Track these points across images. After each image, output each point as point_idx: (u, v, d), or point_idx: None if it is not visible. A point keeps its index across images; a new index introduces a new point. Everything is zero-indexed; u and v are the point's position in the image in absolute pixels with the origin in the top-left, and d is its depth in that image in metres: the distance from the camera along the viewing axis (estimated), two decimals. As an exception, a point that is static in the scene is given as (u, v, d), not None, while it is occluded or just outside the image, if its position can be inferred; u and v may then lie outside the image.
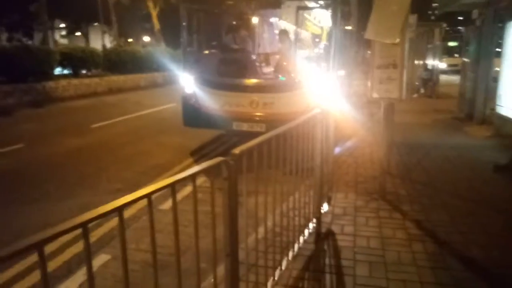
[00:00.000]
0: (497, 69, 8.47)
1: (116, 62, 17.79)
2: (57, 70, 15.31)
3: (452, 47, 27.99)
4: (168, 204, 4.18)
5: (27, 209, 4.33)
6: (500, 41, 8.18)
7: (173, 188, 1.61)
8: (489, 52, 8.60)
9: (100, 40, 23.61)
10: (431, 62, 14.64)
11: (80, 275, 3.08)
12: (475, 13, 9.36)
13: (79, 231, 1.24)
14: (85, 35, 32.47)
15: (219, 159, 1.92)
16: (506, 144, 6.32)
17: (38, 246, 1.08)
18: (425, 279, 2.76)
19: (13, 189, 4.98)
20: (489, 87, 8.52)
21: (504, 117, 7.25)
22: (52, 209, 4.34)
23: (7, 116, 10.44)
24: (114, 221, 3.83)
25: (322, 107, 3.40)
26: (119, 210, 1.34)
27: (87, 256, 1.26)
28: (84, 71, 16.49)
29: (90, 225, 1.27)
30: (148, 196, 1.47)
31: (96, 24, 28.96)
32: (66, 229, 1.15)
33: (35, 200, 4.58)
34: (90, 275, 1.26)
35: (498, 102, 7.67)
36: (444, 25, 14.74)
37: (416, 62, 14.87)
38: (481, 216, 3.83)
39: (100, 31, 24.97)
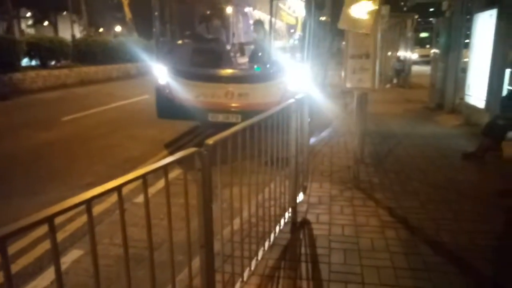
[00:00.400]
0: (465, 59, 8.73)
1: (87, 52, 17.25)
2: (25, 61, 14.70)
3: (423, 38, 28.66)
4: (142, 197, 4.11)
5: (-4, 205, 4.17)
6: (468, 33, 8.42)
7: (144, 179, 1.58)
8: (458, 43, 8.84)
9: (69, 30, 22.77)
10: (403, 53, 14.93)
11: (52, 272, 3.00)
12: (445, 5, 9.59)
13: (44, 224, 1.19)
14: (54, 25, 31.25)
15: (192, 149, 1.89)
16: (474, 132, 6.54)
17: (1, 242, 1.03)
18: (397, 265, 2.83)
19: (-21, 185, 4.78)
20: (458, 77, 8.78)
21: (472, 106, 7.49)
22: (22, 205, 4.19)
23: (-29, 109, 10.00)
24: (86, 216, 3.75)
25: (296, 97, 3.41)
26: (88, 202, 1.30)
27: (54, 251, 1.21)
28: (53, 62, 15.91)
29: (62, 220, 1.23)
30: (118, 188, 1.43)
31: (65, 13, 27.91)
32: (32, 223, 1.10)
33: (5, 196, 4.41)
34: (58, 271, 1.22)
35: (466, 92, 7.92)
36: (416, 16, 15.02)
37: (389, 53, 15.14)
38: (451, 202, 3.95)
39: (69, 21, 24.08)
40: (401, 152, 5.82)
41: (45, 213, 1.16)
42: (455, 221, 3.53)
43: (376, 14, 3.94)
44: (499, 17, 6.44)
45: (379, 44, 4.26)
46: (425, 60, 22.77)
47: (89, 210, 1.32)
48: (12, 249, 3.23)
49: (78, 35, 22.27)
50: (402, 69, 14.68)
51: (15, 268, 3.04)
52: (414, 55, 18.71)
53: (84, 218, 3.74)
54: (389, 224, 3.47)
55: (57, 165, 5.53)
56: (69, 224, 3.64)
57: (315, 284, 2.64)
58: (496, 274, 2.77)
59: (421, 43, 27.64)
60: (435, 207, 3.83)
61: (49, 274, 2.97)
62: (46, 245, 3.34)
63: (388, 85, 14.58)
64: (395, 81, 14.97)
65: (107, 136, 7.13)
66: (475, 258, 2.92)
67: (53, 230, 1.19)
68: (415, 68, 17.74)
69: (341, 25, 4.02)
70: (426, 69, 15.44)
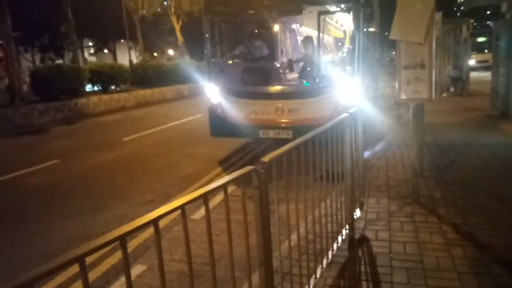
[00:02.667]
0: (531, 62, 8.13)
1: (143, 76, 18.28)
2: (88, 87, 15.88)
3: (481, 42, 27.12)
4: (199, 214, 4.22)
5: (66, 222, 4.48)
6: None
7: (205, 198, 1.63)
8: (522, 46, 8.27)
9: (126, 56, 24.33)
10: (460, 59, 14.19)
11: (118, 286, 3.15)
12: (504, 6, 9.03)
13: (116, 242, 1.26)
14: (113, 52, 33.57)
15: (249, 167, 1.92)
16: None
17: (80, 259, 1.11)
18: (467, 286, 2.64)
19: (52, 203, 5.17)
20: (523, 82, 8.18)
21: (542, 112, 6.92)
22: (89, 221, 4.47)
23: (43, 133, 10.90)
24: (148, 232, 3.91)
25: (350, 111, 3.36)
26: (155, 221, 1.36)
27: (125, 266, 1.28)
28: (113, 87, 17.03)
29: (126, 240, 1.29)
30: (182, 207, 1.49)
31: (122, 40, 29.86)
32: (106, 242, 1.18)
33: (72, 214, 4.73)
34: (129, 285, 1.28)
35: (534, 97, 7.34)
36: (471, 20, 14.28)
37: (444, 60, 14.47)
38: (524, 218, 3.65)
39: (126, 47, 25.72)
40: (463, 164, 5.49)
41: (118, 232, 1.24)
42: (530, 238, 3.25)
43: (429, 23, 3.81)
44: None
45: (434, 53, 4.10)
46: (483, 65, 21.49)
47: (156, 229, 1.39)
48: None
49: (134, 60, 23.68)
50: (459, 77, 13.94)
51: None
52: (471, 61, 17.73)
53: (145, 234, 3.91)
54: (455, 242, 3.26)
55: (119, 183, 5.85)
56: (131, 241, 3.81)
57: (377, 305, 2.53)
58: None
59: (478, 48, 26.18)
60: (505, 223, 3.55)
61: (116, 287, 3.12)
62: (111, 260, 3.53)
63: (444, 94, 13.89)
64: (452, 89, 14.23)
65: (164, 155, 7.44)
66: (556, 280, 2.66)
67: (125, 248, 1.27)
68: (473, 75, 16.78)
69: (393, 36, 3.93)
70: (485, 75, 14.55)
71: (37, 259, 3.62)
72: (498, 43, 9.33)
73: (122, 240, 1.25)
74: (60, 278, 3.25)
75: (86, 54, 35.12)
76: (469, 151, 6.09)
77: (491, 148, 6.25)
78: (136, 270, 3.35)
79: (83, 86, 14.86)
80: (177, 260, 3.43)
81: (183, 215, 1.52)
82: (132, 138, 9.25)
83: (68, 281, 3.23)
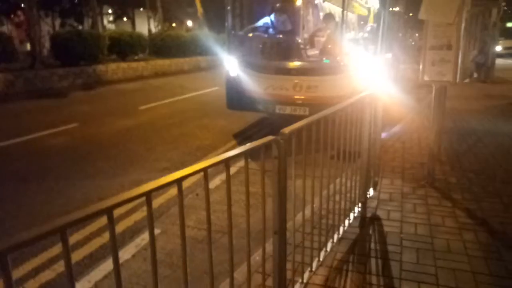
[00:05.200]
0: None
1: (161, 46, 18.23)
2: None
3: (510, 28, 26.12)
4: (214, 183, 4.30)
5: (84, 183, 4.61)
6: None
7: (227, 163, 1.66)
8: (554, 33, 7.95)
9: (145, 25, 24.18)
10: (487, 44, 13.73)
11: (133, 247, 3.26)
12: (539, -9, 8.64)
13: (131, 205, 1.31)
14: (132, 21, 33.33)
15: (270, 137, 1.94)
16: None
17: (110, 210, 1.16)
18: (477, 269, 2.66)
19: (70, 164, 5.30)
20: (552, 71, 7.91)
21: None
22: (105, 184, 4.59)
23: (62, 97, 11.06)
24: (162, 198, 4.02)
25: (370, 90, 3.32)
26: (179, 181, 1.40)
27: (150, 221, 1.33)
28: (131, 56, 17.05)
29: (140, 201, 1.34)
30: (204, 170, 1.52)
31: (141, 9, 29.60)
32: (133, 197, 1.22)
33: (90, 176, 4.86)
34: (152, 238, 1.33)
35: (562, 88, 7.11)
36: (503, 3, 13.72)
37: (468, 44, 14.02)
38: (540, 207, 3.61)
39: (145, 17, 25.52)
40: (482, 150, 5.41)
41: (143, 189, 1.28)
42: (545, 228, 3.23)
43: (460, 3, 3.69)
44: None
45: (462, 35, 3.98)
46: (510, 52, 20.77)
47: (179, 188, 1.42)
48: (100, 223, 3.55)
49: (153, 30, 23.54)
50: (483, 62, 13.53)
51: (102, 241, 3.36)
52: (498, 47, 17.14)
53: (160, 200, 4.01)
54: (467, 226, 3.26)
55: (135, 150, 5.95)
56: (145, 205, 3.91)
57: (386, 281, 2.58)
58: None
59: (507, 34, 25.21)
60: (521, 212, 3.53)
61: (131, 249, 3.23)
62: (127, 222, 3.64)
63: (467, 80, 13.54)
64: (475, 75, 13.85)
65: (180, 125, 7.51)
66: None
67: (150, 204, 1.31)
68: (499, 61, 16.26)
69: (422, 15, 3.82)
70: (512, 62, 14.09)
71: (55, 215, 3.75)
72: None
73: (148, 196, 1.29)
74: (86, 231, 3.40)
75: (105, 22, 34.96)
76: (489, 138, 5.99)
77: (511, 136, 6.13)
78: (151, 233, 3.45)
79: (103, 53, 14.91)
80: (190, 226, 3.52)
81: (205, 177, 1.56)
82: (149, 107, 9.33)
83: (98, 231, 3.38)
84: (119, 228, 3.55)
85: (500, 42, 21.37)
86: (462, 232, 3.17)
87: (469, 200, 3.78)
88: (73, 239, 3.30)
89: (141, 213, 3.71)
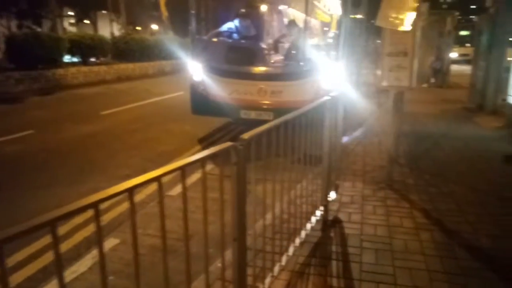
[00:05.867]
0: (509, 58, 8.33)
1: (125, 50, 17.80)
2: (66, 58, 15.38)
3: (463, 36, 27.53)
4: (176, 190, 4.22)
5: (40, 193, 4.40)
6: (513, 30, 8.03)
7: (183, 171, 1.63)
8: (502, 41, 8.45)
9: (108, 28, 23.60)
10: (442, 51, 14.40)
11: (89, 258, 3.14)
12: (489, 1, 9.17)
13: (89, 214, 1.25)
14: (94, 23, 32.40)
15: (228, 143, 1.92)
16: (517, 134, 6.25)
17: (52, 223, 1.10)
18: (432, 268, 2.76)
19: (26, 174, 5.05)
20: (500, 77, 8.39)
21: (516, 107, 7.14)
22: (62, 193, 4.41)
23: (18, 102, 10.55)
24: (122, 207, 3.90)
25: (331, 94, 3.38)
26: (130, 191, 1.36)
27: (98, 236, 1.28)
28: (93, 59, 16.54)
29: (100, 208, 1.29)
30: (158, 178, 1.48)
31: (104, 12, 28.87)
32: (78, 208, 1.17)
33: (47, 185, 4.65)
34: (101, 253, 1.28)
35: (510, 93, 7.55)
36: (457, 13, 14.46)
37: (427, 51, 14.64)
38: (490, 206, 3.81)
39: (108, 19, 24.93)
40: (438, 153, 5.64)
41: (91, 199, 1.23)
42: (495, 226, 3.40)
43: (415, 12, 3.84)
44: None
45: (418, 42, 4.15)
46: (465, 59, 21.89)
47: (131, 198, 1.38)
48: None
49: (116, 33, 22.99)
50: (440, 68, 14.17)
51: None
52: (453, 54, 18.02)
53: (120, 208, 3.89)
54: (424, 226, 3.38)
55: (96, 157, 5.75)
56: (105, 214, 3.79)
57: (346, 283, 2.62)
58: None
59: (460, 41, 26.58)
60: (473, 211, 3.70)
61: (87, 261, 3.11)
62: (84, 233, 3.51)
63: (425, 85, 14.12)
64: (432, 80, 14.48)
65: (143, 131, 7.35)
66: (515, 265, 2.80)
67: (98, 216, 1.26)
68: (454, 67, 17.09)
69: (379, 22, 3.95)
70: (466, 68, 14.86)
71: (8, 227, 3.55)
72: (480, 37, 9.49)
73: (96, 207, 1.24)
74: (29, 249, 3.22)
75: (66, 24, 33.80)
76: (444, 141, 6.26)
77: (465, 139, 6.44)
78: (109, 243, 3.34)
79: (62, 56, 14.37)
80: (150, 235, 3.43)
81: (159, 186, 1.52)
82: (111, 112, 9.07)
83: (38, 252, 3.20)
84: (76, 239, 3.42)
85: (455, 49, 22.49)
86: (419, 232, 3.29)
87: (425, 201, 3.92)
88: (19, 255, 3.14)
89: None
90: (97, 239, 1.29)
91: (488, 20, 8.94)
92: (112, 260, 3.13)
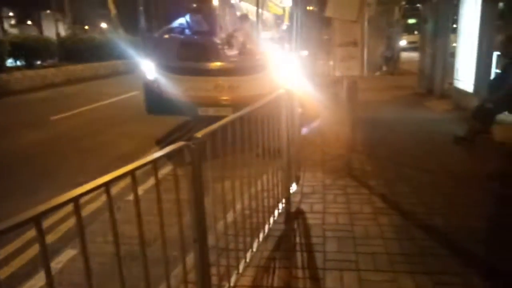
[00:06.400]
0: (454, 44, 8.76)
1: (73, 50, 17.01)
2: (9, 62, 14.46)
3: (411, 24, 28.65)
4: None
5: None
6: (455, 18, 8.44)
7: (133, 175, 1.56)
8: (446, 29, 8.87)
9: (54, 29, 22.43)
10: (392, 40, 14.93)
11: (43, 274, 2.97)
12: (431, -10, 9.59)
13: (46, 224, 1.16)
14: (38, 24, 30.69)
15: (181, 143, 1.86)
16: (464, 116, 6.59)
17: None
18: (392, 251, 2.85)
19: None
20: (446, 62, 8.83)
21: (461, 90, 7.54)
22: (10, 206, 4.13)
23: (-44, 112, 9.82)
24: (82, 212, 3.71)
25: (286, 87, 3.39)
26: (75, 200, 1.27)
27: (42, 251, 1.19)
28: (38, 62, 15.66)
29: (55, 220, 1.21)
30: (106, 184, 1.40)
31: (48, 11, 27.42)
32: (18, 223, 1.08)
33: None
34: (48, 269, 1.20)
35: (455, 77, 7.96)
36: (403, 2, 15.01)
37: (378, 40, 15.11)
38: (443, 186, 3.99)
39: (53, 19, 23.70)
40: (393, 138, 5.84)
41: (32, 213, 1.14)
42: (447, 205, 3.57)
43: (361, 2, 3.93)
44: (484, 1, 6.46)
45: (367, 32, 4.25)
46: (413, 46, 22.82)
47: (77, 208, 1.30)
48: (6, 250, 3.20)
49: (63, 33, 21.91)
50: (391, 56, 14.70)
51: (9, 270, 3.02)
52: (402, 42, 18.75)
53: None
54: (382, 211, 3.49)
55: (48, 165, 5.46)
56: (62, 224, 3.60)
57: (311, 273, 2.65)
58: (487, 254, 2.81)
59: (409, 29, 27.67)
60: (427, 192, 3.87)
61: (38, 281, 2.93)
62: (35, 249, 3.31)
63: (377, 73, 14.60)
64: (384, 68, 15.00)
65: (97, 134, 7.06)
66: (467, 240, 2.95)
67: (40, 230, 1.17)
68: (404, 55, 17.80)
69: (328, 13, 4.00)
70: (415, 55, 15.50)
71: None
72: (426, 25, 9.92)
73: (37, 221, 1.15)
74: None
75: (6, 26, 31.79)
76: (399, 127, 6.49)
77: (417, 123, 6.72)
78: (67, 255, 3.18)
79: (4, 60, 13.49)
80: (110, 242, 3.27)
81: (108, 193, 1.44)
82: (62, 116, 8.64)
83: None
84: (30, 253, 3.22)
85: (404, 37, 23.40)
86: (378, 217, 3.38)
87: (383, 186, 4.05)
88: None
89: (54, 235, 3.41)
90: (42, 257, 1.20)
91: (432, 9, 9.35)
92: (71, 272, 2.99)
